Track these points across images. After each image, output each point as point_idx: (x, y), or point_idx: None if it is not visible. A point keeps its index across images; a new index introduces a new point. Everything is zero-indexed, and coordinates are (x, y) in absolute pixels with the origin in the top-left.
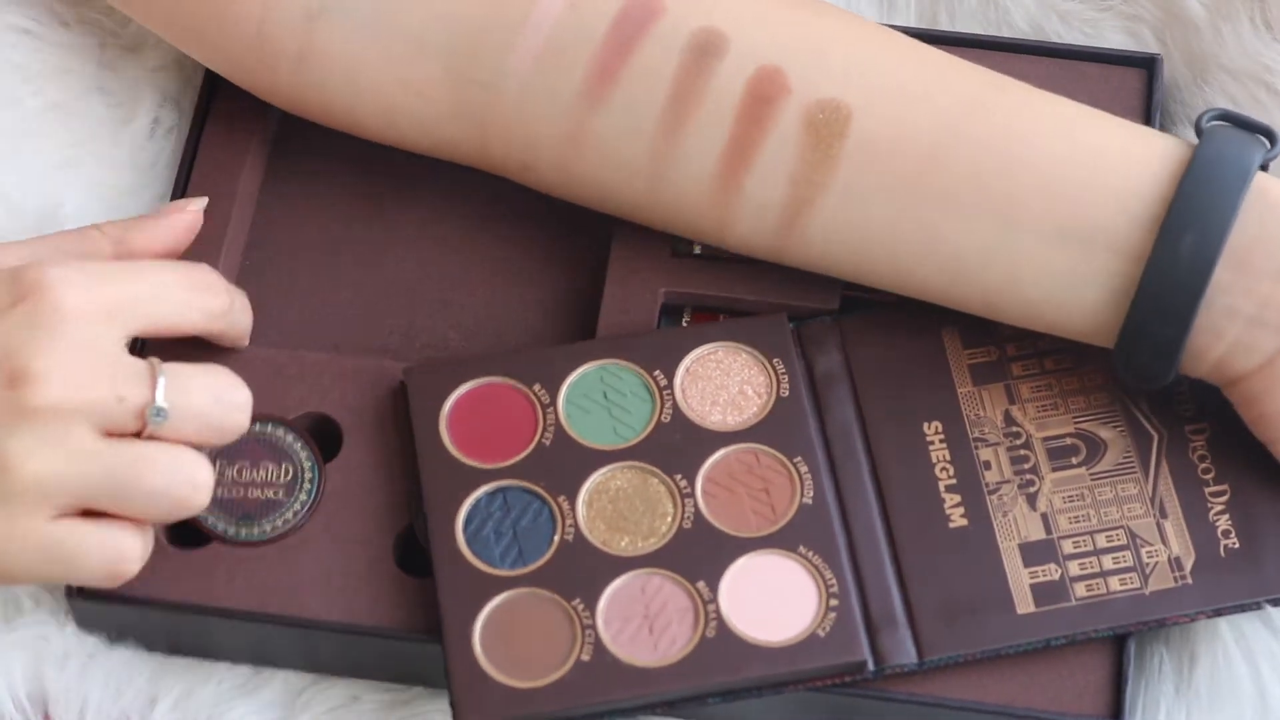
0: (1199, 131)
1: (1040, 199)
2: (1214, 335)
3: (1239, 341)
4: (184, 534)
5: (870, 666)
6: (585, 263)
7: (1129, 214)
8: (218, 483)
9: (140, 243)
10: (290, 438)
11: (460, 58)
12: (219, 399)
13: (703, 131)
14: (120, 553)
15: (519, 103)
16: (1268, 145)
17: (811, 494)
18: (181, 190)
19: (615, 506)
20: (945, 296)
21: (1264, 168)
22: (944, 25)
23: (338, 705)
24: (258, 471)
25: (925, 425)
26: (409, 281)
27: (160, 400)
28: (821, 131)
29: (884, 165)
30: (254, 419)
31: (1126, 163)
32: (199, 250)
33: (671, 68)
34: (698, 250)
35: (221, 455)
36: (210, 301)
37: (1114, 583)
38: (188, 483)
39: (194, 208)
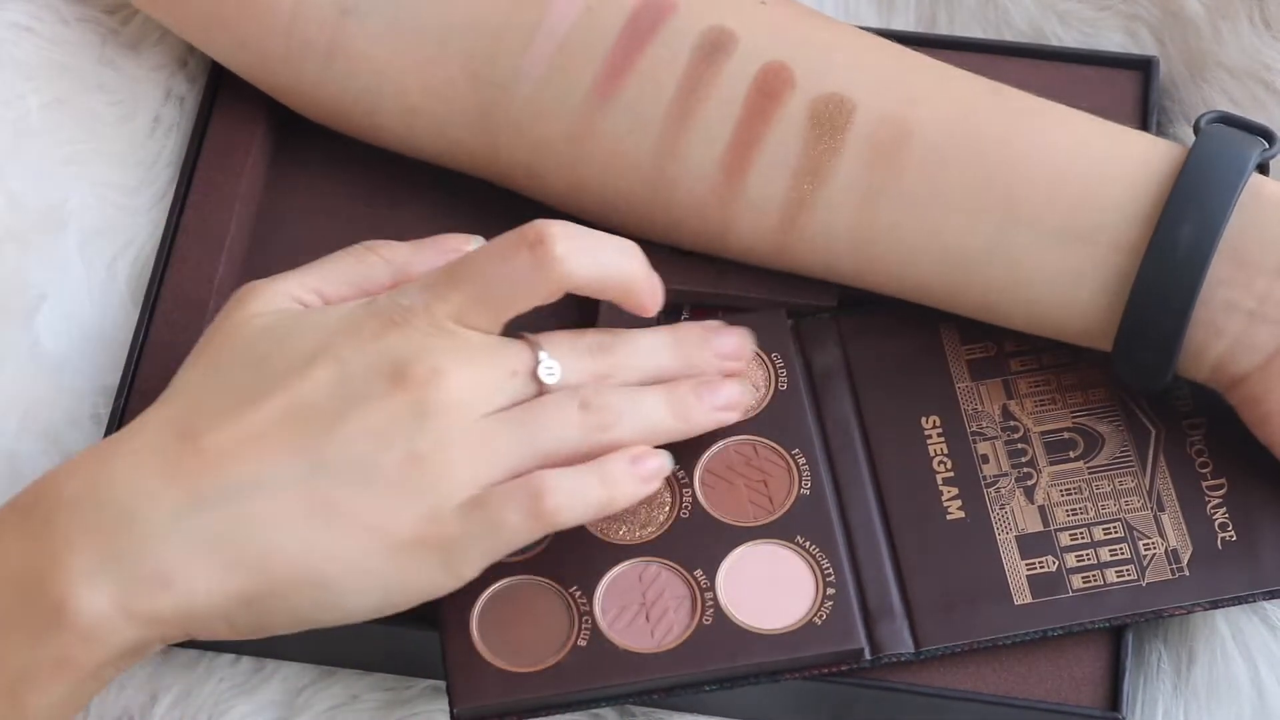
0: (1197, 131)
1: (1040, 196)
2: (1213, 331)
3: (1239, 339)
4: None
5: (867, 655)
6: None
7: (1127, 209)
8: None
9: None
10: None
11: (478, 60)
12: (601, 340)
13: (708, 126)
14: (535, 491)
15: (530, 103)
16: (1266, 145)
17: (809, 485)
18: (184, 190)
19: None
20: (945, 297)
21: (1264, 169)
22: (943, 25)
23: (337, 704)
24: None
25: (923, 419)
26: None
27: (545, 357)
28: (825, 124)
29: (885, 161)
30: None
31: (1124, 161)
32: (201, 249)
33: (681, 65)
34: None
35: None
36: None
37: (1111, 575)
38: (591, 423)
39: (469, 248)
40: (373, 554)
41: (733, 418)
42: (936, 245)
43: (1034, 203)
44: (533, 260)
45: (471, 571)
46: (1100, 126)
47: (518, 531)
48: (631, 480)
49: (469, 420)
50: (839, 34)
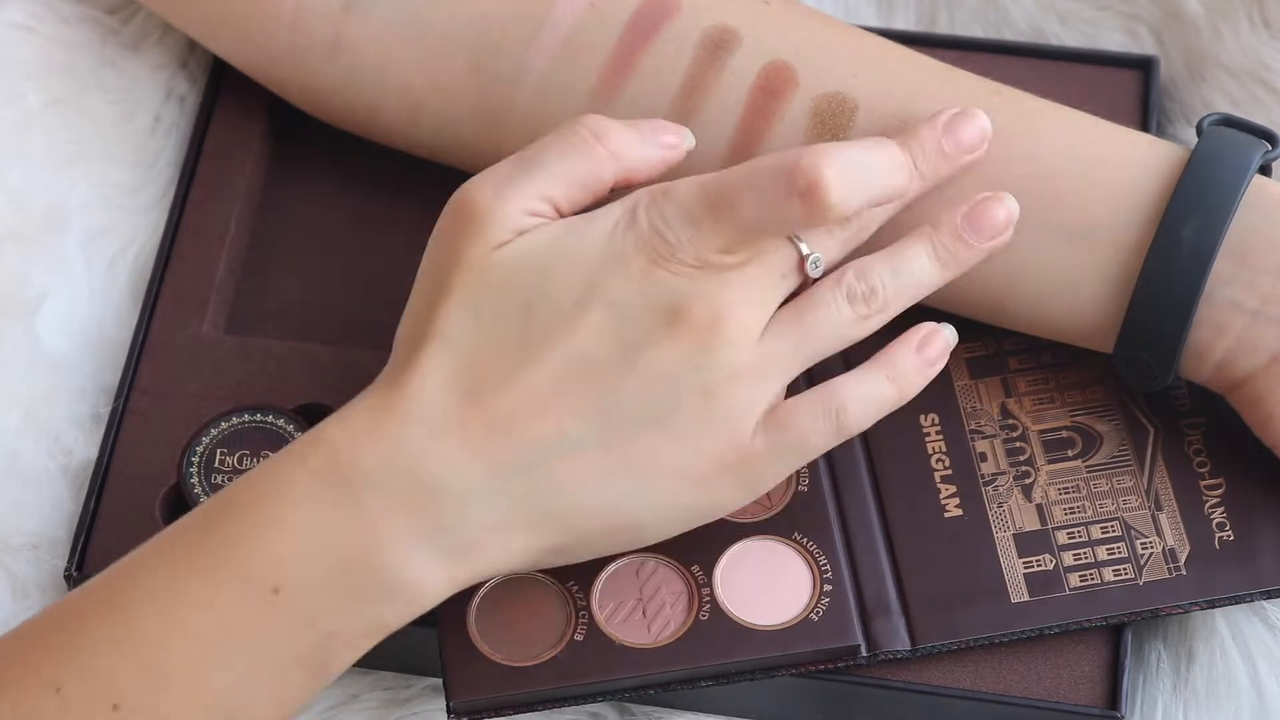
0: (1200, 133)
1: (1042, 194)
2: (1216, 331)
3: (1242, 339)
4: None
5: (863, 652)
6: None
7: (1130, 209)
8: (217, 470)
9: (642, 170)
10: (291, 427)
11: (484, 54)
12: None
13: (710, 124)
14: (836, 407)
15: (535, 98)
16: (1268, 147)
17: (807, 482)
18: (185, 189)
19: None
20: (946, 296)
21: (1265, 170)
22: (943, 25)
23: (337, 703)
24: (258, 460)
25: (921, 417)
26: (410, 277)
27: (808, 250)
28: (827, 123)
29: None
30: (255, 409)
31: (1127, 161)
32: (202, 248)
33: (684, 63)
34: None
35: (222, 445)
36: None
37: (1108, 573)
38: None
39: (686, 144)
40: (679, 493)
41: (1007, 236)
42: None
43: (1036, 201)
44: (805, 211)
45: (770, 486)
46: (1102, 127)
47: (821, 447)
48: (920, 371)
49: (751, 344)
50: (842, 34)
